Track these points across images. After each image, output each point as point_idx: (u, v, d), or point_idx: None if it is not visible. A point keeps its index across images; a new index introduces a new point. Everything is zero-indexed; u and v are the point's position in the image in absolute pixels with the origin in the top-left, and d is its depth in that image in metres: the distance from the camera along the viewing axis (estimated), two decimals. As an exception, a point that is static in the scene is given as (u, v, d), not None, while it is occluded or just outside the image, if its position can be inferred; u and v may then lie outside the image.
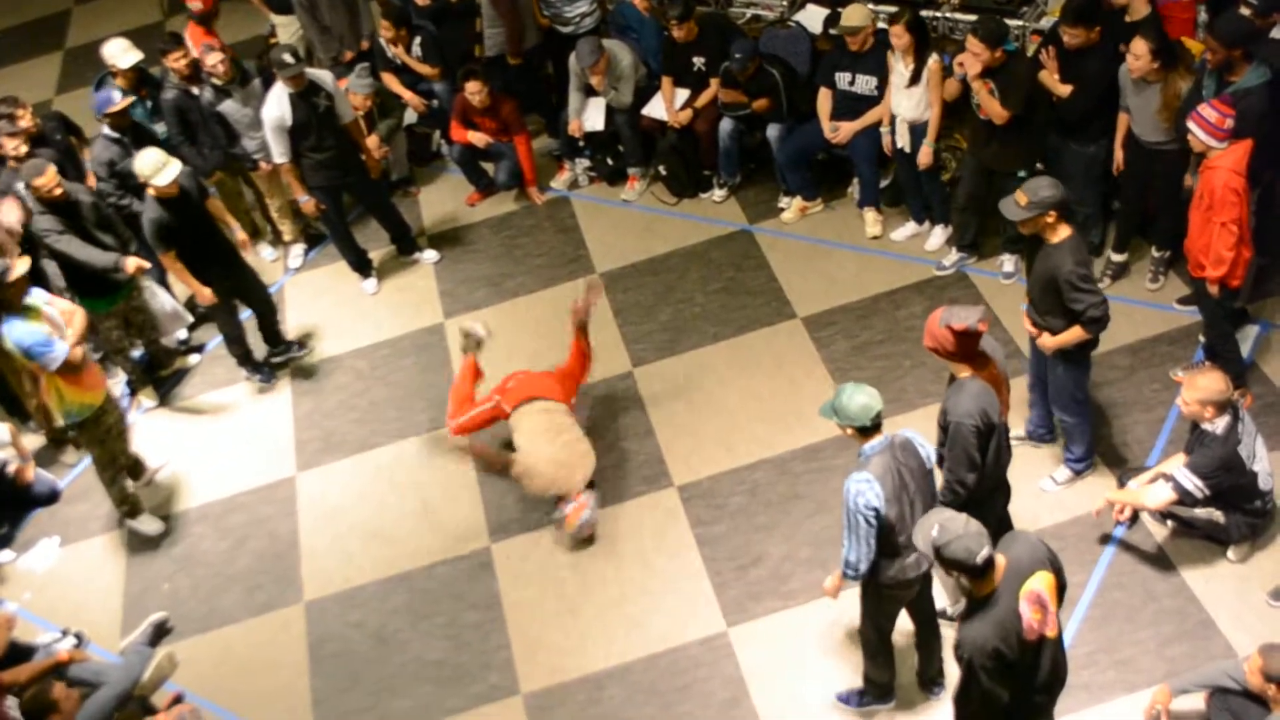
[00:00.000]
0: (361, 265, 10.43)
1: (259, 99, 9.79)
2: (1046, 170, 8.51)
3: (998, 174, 8.54)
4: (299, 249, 10.92)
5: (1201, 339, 8.14)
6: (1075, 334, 6.87)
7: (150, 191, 8.60)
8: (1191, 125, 7.12)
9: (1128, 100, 8.05)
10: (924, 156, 8.97)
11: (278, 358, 9.86)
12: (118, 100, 9.32)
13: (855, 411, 5.77)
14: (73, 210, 8.78)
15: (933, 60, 8.65)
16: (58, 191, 8.67)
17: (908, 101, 8.90)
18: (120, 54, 9.80)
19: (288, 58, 9.13)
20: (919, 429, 6.26)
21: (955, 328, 5.95)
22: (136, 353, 9.70)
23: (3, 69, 15.03)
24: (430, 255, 10.57)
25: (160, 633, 8.00)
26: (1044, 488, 7.65)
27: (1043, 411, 7.70)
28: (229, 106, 9.85)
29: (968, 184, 8.88)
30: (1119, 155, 8.35)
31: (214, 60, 9.69)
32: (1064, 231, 6.67)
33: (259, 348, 9.79)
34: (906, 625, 6.61)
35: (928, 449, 6.03)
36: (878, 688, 6.72)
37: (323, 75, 9.57)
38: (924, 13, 9.36)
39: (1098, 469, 7.69)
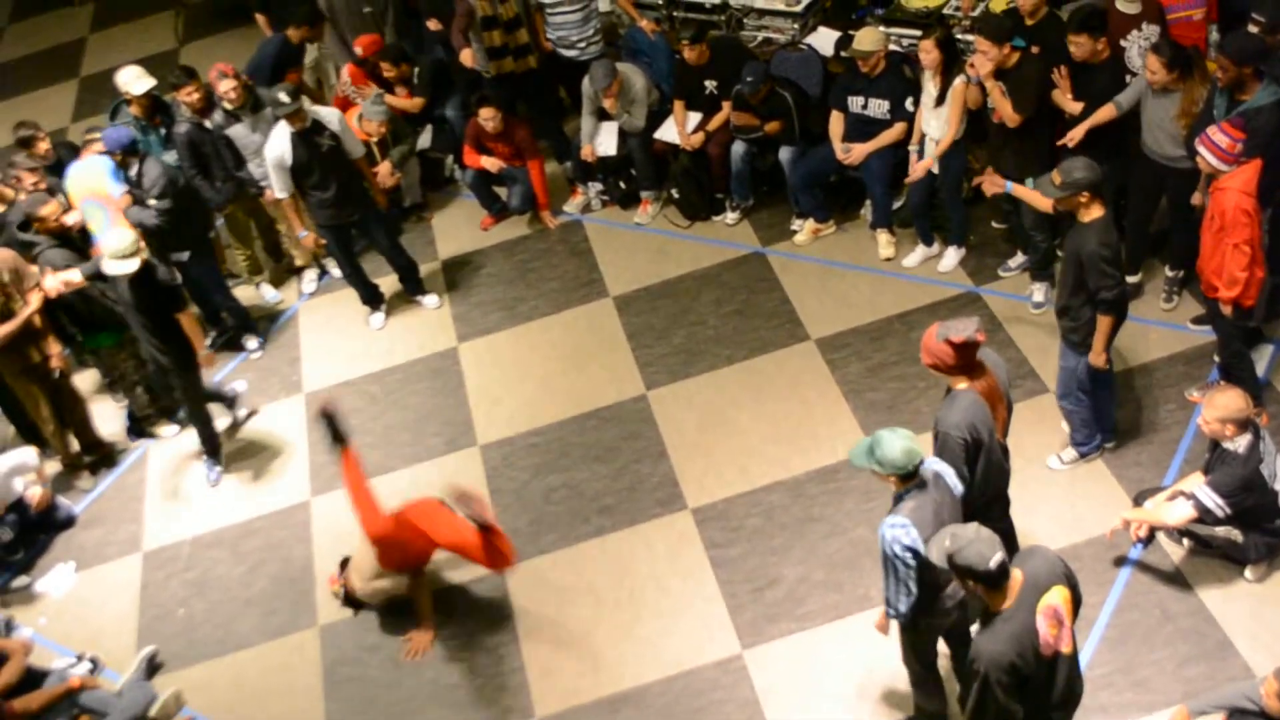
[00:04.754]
0: (372, 299, 10.42)
1: (269, 126, 9.84)
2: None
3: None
4: (312, 274, 10.95)
5: (1216, 359, 8.12)
6: (1103, 326, 7.01)
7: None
8: (1201, 149, 7.13)
9: (1145, 112, 8.06)
10: (919, 166, 9.03)
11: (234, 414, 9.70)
12: (124, 139, 9.38)
13: (899, 459, 5.65)
14: (71, 245, 8.86)
15: (959, 80, 8.65)
16: (62, 220, 8.76)
17: (936, 121, 8.92)
18: (133, 81, 9.88)
19: (284, 97, 9.09)
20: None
21: (954, 340, 5.95)
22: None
23: (19, 97, 15.14)
24: (431, 301, 10.47)
25: (153, 667, 7.99)
26: (1050, 465, 7.74)
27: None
28: (237, 131, 9.89)
29: (1000, 196, 8.95)
30: (1078, 133, 8.27)
31: (226, 87, 9.74)
32: (1096, 211, 6.78)
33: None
34: (943, 647, 6.57)
35: (954, 479, 5.96)
36: (929, 717, 6.68)
37: (328, 114, 9.53)
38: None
39: (1109, 485, 7.68)
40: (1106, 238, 6.78)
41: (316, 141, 9.30)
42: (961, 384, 6.12)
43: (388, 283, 10.57)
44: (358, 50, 10.95)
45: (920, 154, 9.16)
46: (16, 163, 9.41)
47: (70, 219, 9.03)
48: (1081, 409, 7.49)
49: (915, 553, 5.65)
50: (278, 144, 9.29)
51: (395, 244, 10.28)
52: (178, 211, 9.37)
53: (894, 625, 6.21)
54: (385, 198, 10.48)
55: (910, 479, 5.74)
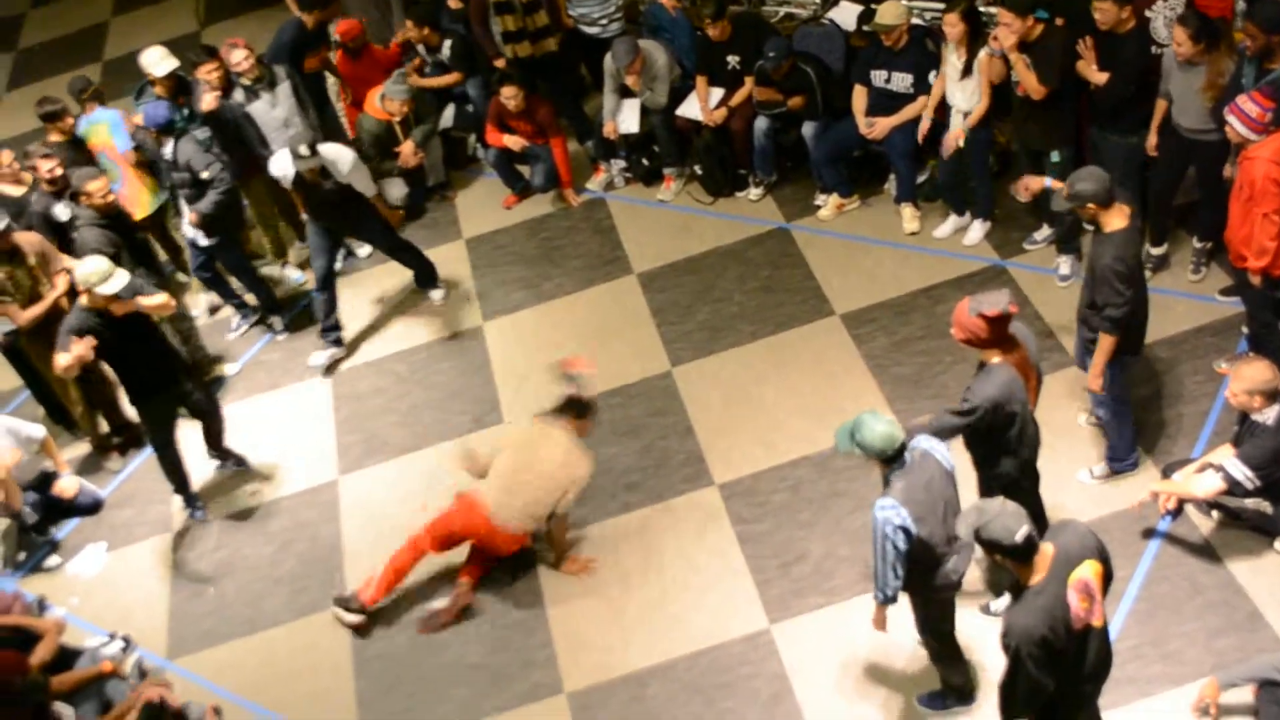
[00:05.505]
0: (327, 327, 10.01)
1: (289, 100, 9.85)
2: (1085, 161, 8.47)
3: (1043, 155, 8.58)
4: (337, 255, 10.93)
5: (1244, 330, 8.07)
6: (1104, 345, 6.88)
7: (82, 300, 7.92)
8: (1230, 118, 7.09)
9: (1170, 85, 8.01)
10: (949, 139, 8.97)
11: (224, 468, 9.30)
12: (160, 117, 9.44)
13: (880, 443, 5.71)
14: (122, 225, 8.90)
15: (983, 52, 8.59)
16: (110, 199, 8.78)
17: (962, 94, 8.87)
18: (156, 62, 9.90)
19: (304, 150, 8.86)
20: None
21: (988, 314, 5.96)
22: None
23: (43, 81, 15.18)
24: (436, 295, 10.35)
25: (142, 672, 7.93)
26: (1081, 479, 7.64)
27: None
28: (258, 108, 9.90)
29: (1025, 169, 8.94)
30: (1153, 140, 8.29)
31: (239, 57, 9.74)
32: (1116, 223, 6.63)
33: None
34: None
35: (945, 453, 5.98)
36: (957, 690, 6.68)
37: (340, 157, 9.21)
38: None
39: (1139, 467, 7.63)
40: (1123, 252, 6.64)
41: (320, 184, 9.16)
42: (995, 358, 6.12)
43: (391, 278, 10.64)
44: (336, 36, 10.94)
45: (934, 124, 9.13)
46: (30, 151, 9.43)
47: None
48: (1121, 423, 7.37)
49: (907, 533, 5.69)
50: (282, 163, 9.17)
51: (404, 245, 10.09)
52: (232, 189, 9.45)
53: (892, 610, 6.21)
54: (399, 218, 10.45)
55: (892, 462, 5.77)
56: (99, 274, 7.79)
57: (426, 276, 10.30)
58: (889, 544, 5.70)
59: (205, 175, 9.30)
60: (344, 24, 10.93)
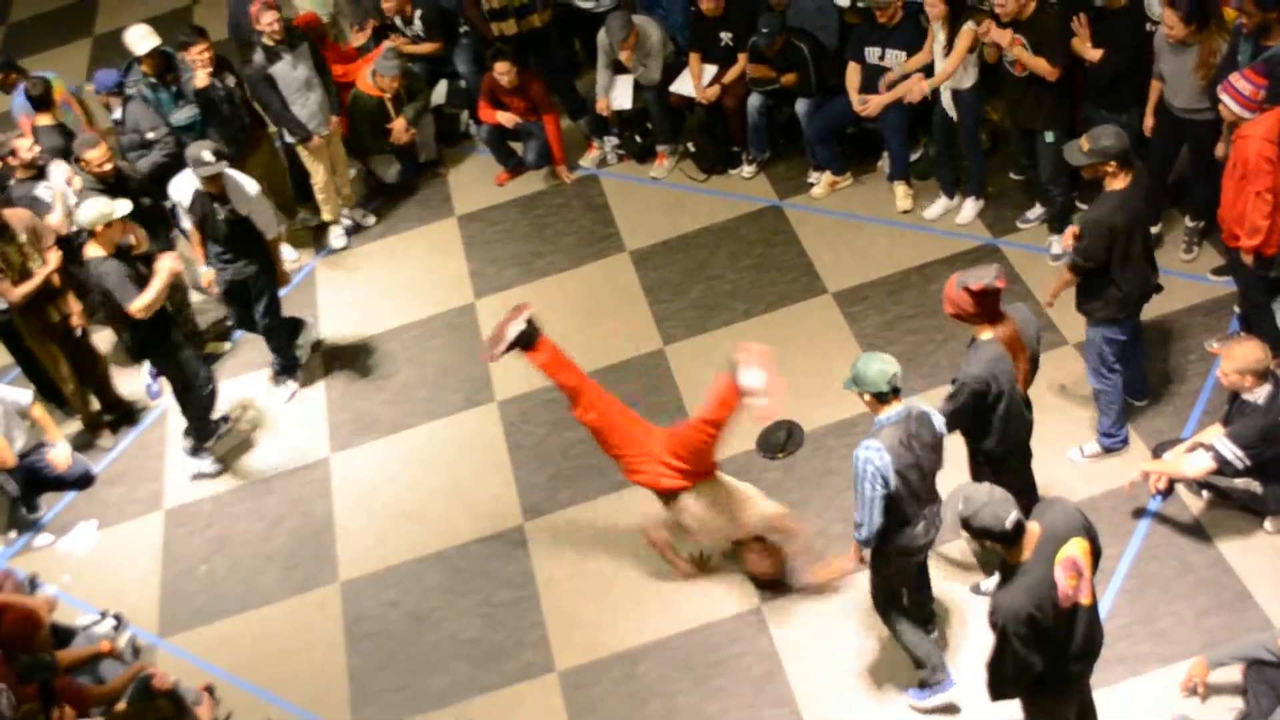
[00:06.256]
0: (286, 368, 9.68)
1: (309, 61, 9.79)
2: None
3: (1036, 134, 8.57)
4: (339, 229, 10.89)
5: (1236, 309, 8.08)
6: (1062, 274, 7.20)
7: (94, 252, 8.04)
8: (1224, 97, 7.07)
9: (1162, 65, 7.99)
10: (916, 88, 9.00)
11: (210, 439, 9.21)
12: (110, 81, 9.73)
13: (872, 376, 5.85)
14: (124, 189, 8.88)
15: (968, 25, 8.55)
16: (108, 167, 8.75)
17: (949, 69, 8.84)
18: (138, 41, 9.82)
19: (207, 155, 8.36)
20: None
21: (973, 288, 6.02)
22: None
23: (33, 56, 15.03)
24: (286, 390, 9.61)
25: (136, 650, 7.93)
26: (1071, 458, 7.64)
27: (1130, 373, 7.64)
28: (280, 69, 9.78)
29: (1017, 148, 9.04)
30: (1149, 122, 8.28)
31: (269, 19, 9.60)
32: (1120, 183, 6.72)
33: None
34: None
35: (941, 422, 6.09)
36: (928, 664, 6.60)
37: (245, 187, 8.73)
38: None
39: (1129, 444, 7.63)
40: (1113, 213, 6.73)
41: (217, 209, 8.61)
42: (985, 333, 6.15)
43: (410, 234, 10.58)
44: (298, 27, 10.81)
45: (937, 99, 9.11)
46: (1, 142, 9.36)
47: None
48: (1110, 389, 7.37)
49: (885, 481, 5.81)
50: (183, 187, 8.71)
51: (272, 321, 9.31)
52: (175, 156, 9.41)
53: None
54: (285, 276, 9.61)
55: (885, 402, 5.90)
56: (105, 208, 7.99)
57: (285, 368, 9.66)
58: (867, 484, 5.85)
59: (151, 136, 9.45)
60: (301, 17, 10.82)
